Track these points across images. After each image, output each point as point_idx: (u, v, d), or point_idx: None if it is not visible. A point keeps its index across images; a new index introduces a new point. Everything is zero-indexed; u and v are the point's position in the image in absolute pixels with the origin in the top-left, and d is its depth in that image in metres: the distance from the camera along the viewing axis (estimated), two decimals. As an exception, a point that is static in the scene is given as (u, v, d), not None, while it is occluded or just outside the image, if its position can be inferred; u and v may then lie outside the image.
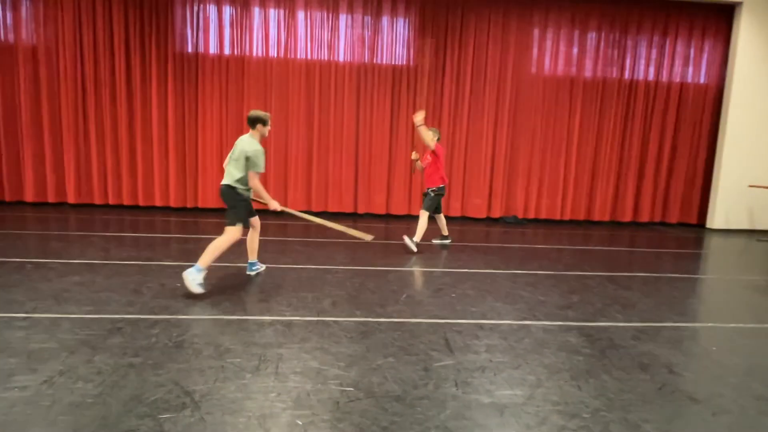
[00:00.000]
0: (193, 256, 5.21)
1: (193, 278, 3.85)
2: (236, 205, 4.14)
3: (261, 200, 4.34)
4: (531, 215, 9.57)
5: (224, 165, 4.24)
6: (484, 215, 9.49)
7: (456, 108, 9.16)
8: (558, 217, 9.59)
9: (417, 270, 5.10)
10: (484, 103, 9.17)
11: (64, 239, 5.94)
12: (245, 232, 4.37)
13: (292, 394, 2.41)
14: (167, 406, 2.25)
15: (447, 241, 6.65)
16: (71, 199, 8.78)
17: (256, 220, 4.51)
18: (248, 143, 4.09)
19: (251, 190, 4.21)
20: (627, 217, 9.68)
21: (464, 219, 9.38)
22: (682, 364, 2.98)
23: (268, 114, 4.24)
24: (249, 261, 4.65)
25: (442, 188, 6.23)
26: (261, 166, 4.12)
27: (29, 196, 8.73)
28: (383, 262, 5.37)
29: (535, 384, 2.62)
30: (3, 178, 8.69)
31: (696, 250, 7.48)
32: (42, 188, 8.78)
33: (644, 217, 9.71)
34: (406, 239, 6.04)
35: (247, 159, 4.04)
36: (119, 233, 6.54)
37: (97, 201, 8.87)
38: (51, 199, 8.79)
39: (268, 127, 4.27)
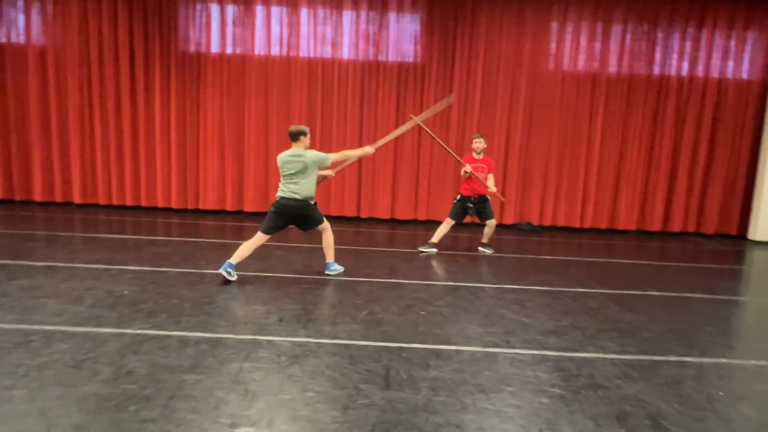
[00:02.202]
0: (162, 261, 4.96)
1: (336, 270, 4.71)
2: (315, 211, 4.54)
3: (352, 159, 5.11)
4: (547, 222, 8.87)
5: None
6: (496, 222, 8.85)
7: (466, 107, 8.62)
8: (577, 224, 8.85)
9: (394, 281, 4.63)
10: (496, 102, 8.58)
11: (45, 240, 5.84)
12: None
13: (169, 435, 2.02)
14: (15, 445, 1.91)
15: (434, 250, 6.14)
16: (77, 199, 8.82)
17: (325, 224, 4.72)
18: (306, 153, 4.36)
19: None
20: (656, 226, 8.82)
21: (475, 225, 8.77)
22: (673, 415, 2.38)
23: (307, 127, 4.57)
24: (230, 261, 4.33)
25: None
26: (327, 156, 4.49)
27: (37, 196, 8.83)
28: (363, 272, 4.93)
29: (473, 435, 2.12)
30: (13, 178, 8.83)
31: (733, 265, 6.63)
32: (49, 188, 8.87)
33: (676, 227, 8.81)
34: (481, 249, 6.30)
35: (317, 162, 4.39)
36: (104, 234, 6.40)
37: (102, 201, 8.87)
38: (58, 199, 8.86)
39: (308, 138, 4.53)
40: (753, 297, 5.03)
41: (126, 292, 3.89)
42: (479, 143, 6.04)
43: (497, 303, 4.08)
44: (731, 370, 2.96)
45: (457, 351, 3.02)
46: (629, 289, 4.78)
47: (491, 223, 6.23)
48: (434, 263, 5.57)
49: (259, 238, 4.46)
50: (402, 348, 3.02)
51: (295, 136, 4.41)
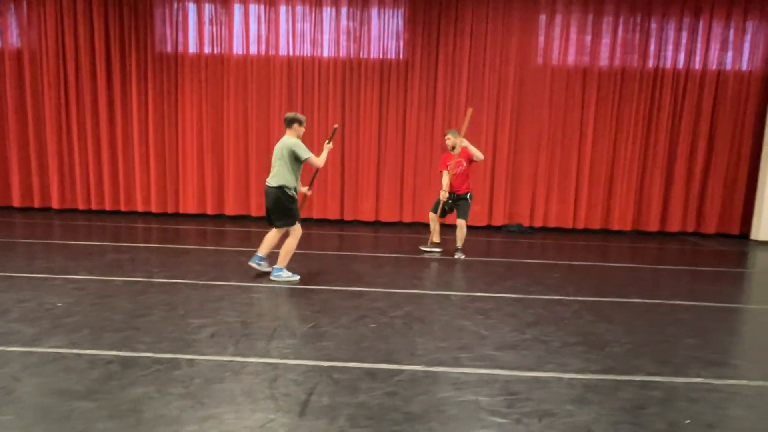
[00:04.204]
0: (115, 269, 4.72)
1: (282, 276, 4.40)
2: (289, 207, 4.34)
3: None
4: (538, 223, 8.52)
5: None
6: (484, 223, 8.54)
7: (451, 104, 8.30)
8: (570, 225, 8.48)
9: (355, 289, 4.33)
10: (483, 98, 8.25)
11: (4, 247, 5.62)
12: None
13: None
14: None
15: (437, 250, 6.17)
16: (55, 204, 8.66)
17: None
18: (286, 139, 4.31)
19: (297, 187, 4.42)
20: (653, 227, 8.42)
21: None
22: (625, 449, 2.06)
23: (303, 116, 4.48)
24: (257, 254, 4.60)
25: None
26: (307, 151, 4.33)
27: (16, 201, 8.68)
28: (325, 279, 4.64)
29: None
30: (-9, 184, 8.69)
31: (730, 268, 6.23)
32: (28, 193, 8.71)
33: (674, 227, 8.40)
34: (458, 256, 5.86)
35: (292, 152, 4.24)
36: (70, 241, 6.19)
37: (81, 206, 8.70)
38: (37, 204, 8.71)
39: (303, 128, 4.46)
40: (747, 304, 4.65)
41: (59, 304, 3.64)
42: (450, 140, 5.80)
43: (459, 313, 3.77)
44: (705, 391, 2.61)
45: (396, 370, 2.71)
46: (610, 295, 4.44)
47: (461, 224, 5.88)
48: (406, 269, 5.26)
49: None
50: (335, 367, 2.72)
51: (288, 123, 4.36)
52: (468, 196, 5.90)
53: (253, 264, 4.58)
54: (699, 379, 2.75)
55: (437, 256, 5.95)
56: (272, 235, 4.56)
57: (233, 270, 4.86)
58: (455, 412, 2.29)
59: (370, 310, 3.75)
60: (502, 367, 2.80)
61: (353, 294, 4.19)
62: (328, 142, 4.63)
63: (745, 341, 3.59)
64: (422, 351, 3.00)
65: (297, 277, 4.53)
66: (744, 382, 2.74)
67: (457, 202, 5.90)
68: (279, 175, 4.27)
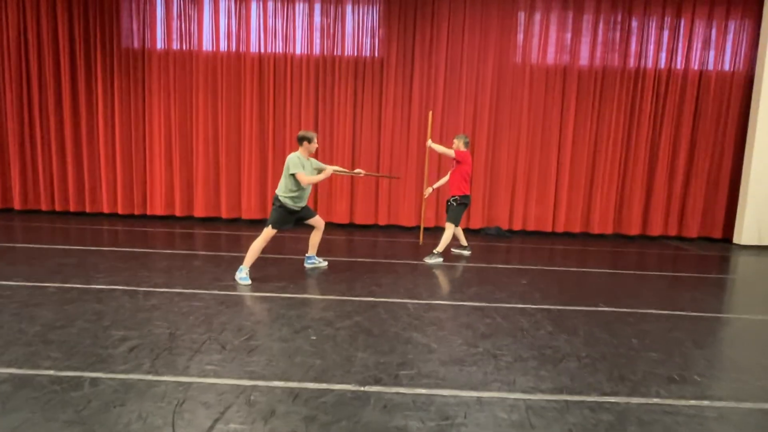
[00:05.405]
0: (54, 274, 4.43)
1: (239, 275, 4.40)
2: (274, 210, 4.56)
3: (344, 172, 5.20)
4: (517, 227, 8.29)
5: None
6: (462, 226, 8.27)
7: (427, 104, 8.06)
8: (549, 229, 8.27)
9: (305, 296, 4.07)
10: (460, 98, 8.03)
11: (-54, 251, 5.33)
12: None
13: None
14: None
15: (467, 252, 6.16)
16: (17, 205, 8.34)
17: (318, 220, 4.95)
18: (291, 154, 4.54)
19: (296, 200, 4.56)
20: (634, 230, 8.22)
21: (439, 230, 8.21)
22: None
23: (314, 133, 4.76)
24: (307, 255, 5.13)
25: (466, 197, 5.79)
26: (296, 167, 4.45)
27: (-23, 203, 8.36)
28: (277, 286, 4.37)
29: None
30: (-49, 184, 8.36)
31: (709, 273, 6.02)
32: (-11, 194, 8.39)
33: (655, 230, 8.21)
34: (427, 260, 5.64)
35: (287, 166, 4.48)
36: (19, 244, 5.89)
37: (44, 207, 8.38)
38: (-2, 205, 8.39)
39: (315, 144, 4.61)
40: (721, 312, 4.43)
41: (-23, 313, 3.36)
42: (455, 143, 5.84)
43: (412, 323, 3.51)
44: (661, 413, 2.37)
45: (324, 390, 2.45)
46: (577, 303, 4.20)
47: (446, 226, 5.83)
48: (368, 274, 5.00)
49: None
50: (256, 387, 2.46)
51: (298, 141, 4.60)
52: (452, 200, 5.82)
53: (307, 265, 5.09)
54: (657, 399, 2.51)
55: (467, 255, 6.20)
56: (312, 236, 5.03)
57: (182, 276, 4.59)
58: (375, 441, 2.04)
59: (316, 321, 3.49)
60: (442, 386, 2.55)
61: (303, 302, 3.93)
62: (324, 170, 4.80)
63: (713, 355, 3.35)
64: (359, 367, 2.74)
65: (247, 282, 4.33)
66: (706, 402, 2.51)
67: (449, 204, 5.95)
68: (280, 184, 4.57)
